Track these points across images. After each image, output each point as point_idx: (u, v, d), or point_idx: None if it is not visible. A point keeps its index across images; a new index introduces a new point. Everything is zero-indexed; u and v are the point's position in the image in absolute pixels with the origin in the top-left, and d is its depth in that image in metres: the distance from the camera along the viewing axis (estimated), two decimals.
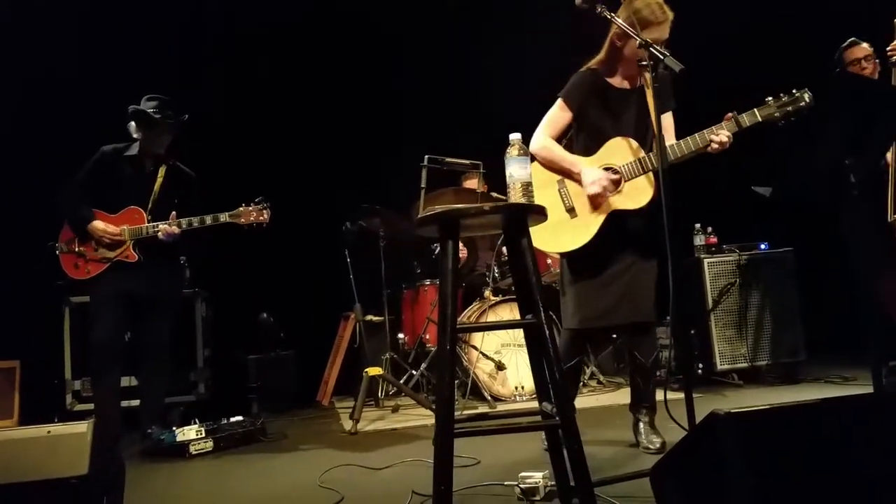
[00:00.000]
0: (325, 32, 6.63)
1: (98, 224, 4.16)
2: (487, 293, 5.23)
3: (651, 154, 3.07)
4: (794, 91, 2.89)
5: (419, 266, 6.11)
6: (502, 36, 6.44)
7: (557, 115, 3.31)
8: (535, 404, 2.49)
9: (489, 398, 4.87)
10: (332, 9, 6.47)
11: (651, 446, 3.21)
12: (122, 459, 2.51)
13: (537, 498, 2.51)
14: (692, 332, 5.04)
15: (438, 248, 2.94)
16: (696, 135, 3.01)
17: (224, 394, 5.66)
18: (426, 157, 3.64)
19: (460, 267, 5.67)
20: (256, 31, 6.34)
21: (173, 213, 4.16)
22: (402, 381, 5.19)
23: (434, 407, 3.70)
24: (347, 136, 6.62)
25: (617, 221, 3.16)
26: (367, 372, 4.69)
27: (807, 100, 2.86)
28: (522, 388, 4.98)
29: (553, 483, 2.44)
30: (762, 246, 5.14)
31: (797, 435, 1.61)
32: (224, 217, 4.17)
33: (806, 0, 5.87)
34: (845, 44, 4.32)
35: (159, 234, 4.12)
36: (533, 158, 3.22)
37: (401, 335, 5.94)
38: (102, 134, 4.37)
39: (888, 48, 3.97)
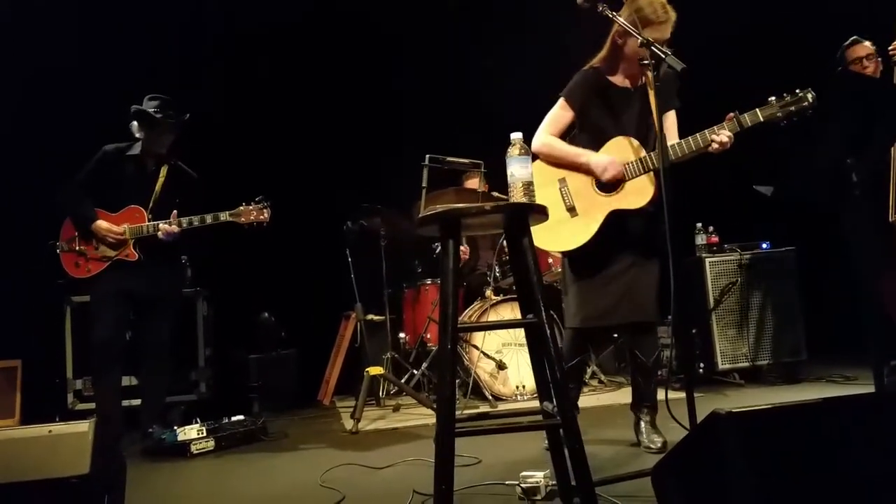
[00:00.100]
0: (326, 32, 6.62)
1: (102, 224, 4.16)
2: (488, 292, 5.23)
3: (652, 154, 3.06)
4: (797, 91, 2.87)
5: (420, 265, 6.11)
6: (502, 36, 6.44)
7: (559, 114, 3.32)
8: (536, 404, 2.49)
9: (490, 397, 4.87)
10: (332, 9, 6.47)
11: (652, 446, 3.21)
12: (123, 459, 2.52)
13: (538, 497, 2.50)
14: (693, 331, 5.04)
15: (439, 248, 2.94)
16: (696, 135, 3.01)
17: (225, 393, 5.66)
18: (427, 156, 3.65)
19: (461, 266, 5.67)
20: (256, 31, 6.33)
21: (174, 211, 4.16)
22: (403, 381, 5.19)
23: (435, 406, 3.70)
24: (348, 135, 6.62)
25: (617, 221, 3.16)
26: (368, 371, 4.69)
27: (810, 100, 2.84)
28: (523, 387, 4.98)
29: (554, 482, 2.44)
30: (763, 245, 5.14)
31: (798, 434, 1.61)
32: (224, 216, 4.17)
33: (806, 0, 5.87)
34: (847, 42, 4.31)
35: (159, 233, 4.12)
36: (535, 158, 3.23)
37: (402, 334, 5.94)
38: (102, 134, 4.38)
39: (889, 47, 3.97)
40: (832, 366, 5.13)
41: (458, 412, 2.20)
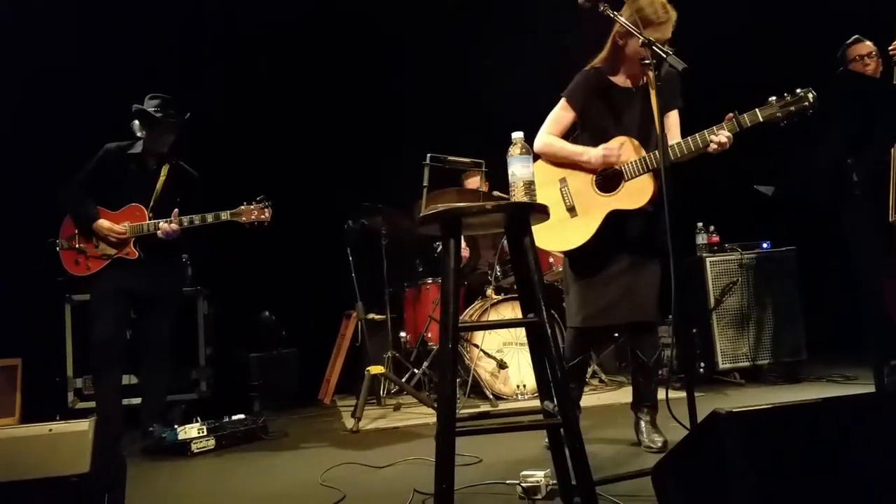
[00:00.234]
0: (326, 32, 6.62)
1: (104, 223, 4.16)
2: (489, 292, 5.23)
3: (651, 153, 3.06)
4: (797, 91, 2.86)
5: (421, 264, 6.12)
6: (502, 36, 6.44)
7: (560, 114, 3.33)
8: (536, 403, 2.49)
9: (491, 397, 4.87)
10: (333, 9, 6.47)
11: (653, 445, 3.21)
12: (123, 458, 2.51)
13: (539, 497, 2.51)
14: (694, 330, 5.04)
15: (440, 247, 2.94)
16: (696, 135, 3.00)
17: (226, 392, 5.67)
18: (429, 155, 3.64)
19: (462, 265, 5.67)
20: (257, 31, 6.34)
21: (175, 210, 4.17)
22: (403, 380, 5.20)
23: (436, 405, 3.70)
24: (349, 135, 6.62)
25: (617, 221, 3.17)
26: (368, 370, 4.69)
27: (811, 100, 2.82)
28: (524, 386, 4.98)
29: (555, 482, 2.44)
30: (764, 245, 5.14)
31: (799, 434, 1.61)
32: (225, 215, 4.17)
33: (806, 0, 5.86)
34: (849, 41, 4.32)
35: (158, 232, 4.12)
36: (536, 158, 3.23)
37: (403, 334, 5.95)
38: (103, 133, 4.38)
39: (889, 47, 3.97)
40: (832, 365, 5.14)
41: (458, 411, 2.20)
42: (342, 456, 3.63)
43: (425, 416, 4.64)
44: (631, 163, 3.11)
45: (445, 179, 4.68)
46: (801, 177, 2.99)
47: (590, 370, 5.34)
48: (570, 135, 3.37)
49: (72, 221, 4.28)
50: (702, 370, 5.01)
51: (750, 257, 5.06)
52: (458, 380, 4.81)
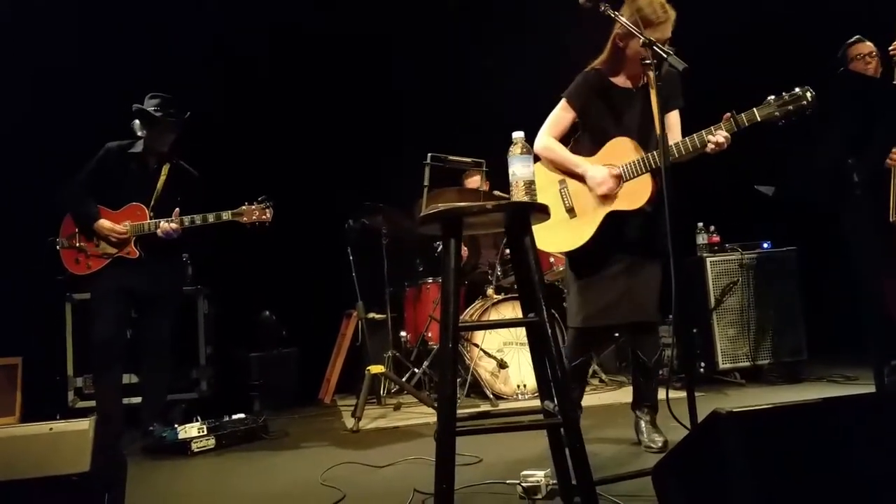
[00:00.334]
0: (326, 32, 6.62)
1: (105, 223, 4.16)
2: (490, 291, 5.24)
3: (650, 154, 3.06)
4: (796, 90, 2.84)
5: (421, 264, 6.12)
6: (502, 36, 6.44)
7: (560, 115, 3.33)
8: (537, 403, 2.49)
9: (491, 396, 4.87)
10: (333, 8, 6.47)
11: (653, 445, 3.21)
12: (123, 457, 2.52)
13: (539, 496, 2.51)
14: (694, 330, 5.04)
15: (441, 247, 2.94)
16: (693, 135, 2.99)
17: (226, 391, 5.67)
18: (429, 155, 3.64)
19: (462, 265, 5.67)
20: (257, 31, 6.34)
21: (176, 210, 4.17)
22: (404, 379, 5.20)
23: (436, 405, 3.70)
24: (349, 134, 6.62)
25: (617, 222, 3.17)
26: (369, 370, 4.69)
27: (809, 98, 2.80)
28: (524, 386, 4.98)
29: (555, 482, 2.44)
30: (764, 245, 5.14)
31: (799, 434, 1.61)
32: (227, 215, 4.18)
33: (806, 0, 5.86)
34: (850, 40, 4.33)
35: (159, 231, 4.13)
36: (537, 159, 3.23)
37: (403, 333, 5.95)
38: (103, 133, 4.38)
39: (890, 47, 3.97)
40: (833, 366, 5.14)
41: (458, 411, 2.19)
42: (342, 455, 3.63)
43: (425, 415, 4.64)
44: (629, 163, 3.11)
45: (445, 179, 4.68)
46: (801, 177, 2.99)
47: (590, 370, 5.34)
48: (570, 135, 3.37)
49: (72, 220, 4.28)
50: (702, 370, 5.01)
51: (750, 257, 5.06)
52: (458, 379, 4.82)
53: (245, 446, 4.11)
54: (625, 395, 4.42)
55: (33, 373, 5.18)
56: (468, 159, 3.57)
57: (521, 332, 4.91)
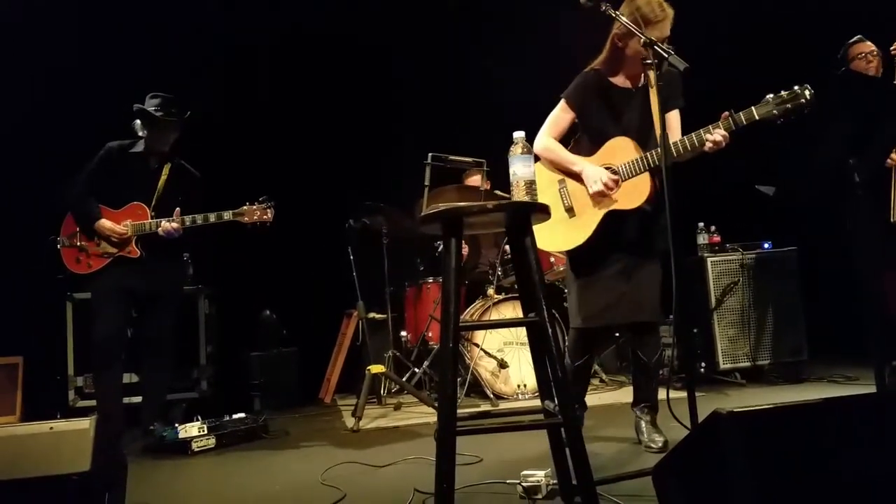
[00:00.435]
0: (326, 32, 6.62)
1: (106, 223, 4.16)
2: (490, 291, 5.23)
3: (649, 153, 3.06)
4: (794, 88, 2.82)
5: (422, 263, 6.12)
6: (502, 36, 6.44)
7: (559, 116, 3.34)
8: (537, 402, 2.49)
9: (491, 396, 4.87)
10: (333, 8, 6.47)
11: (653, 445, 3.21)
12: (124, 456, 2.52)
13: (539, 496, 2.51)
14: (695, 330, 5.04)
15: (441, 246, 2.94)
16: (691, 134, 2.99)
17: (227, 391, 5.67)
18: (430, 154, 3.65)
19: (462, 264, 5.66)
20: (257, 31, 6.34)
21: (177, 209, 4.17)
22: (404, 379, 5.19)
23: (436, 405, 3.70)
24: (350, 134, 6.62)
25: (616, 221, 3.17)
26: (369, 369, 4.69)
27: (807, 96, 2.78)
28: (525, 386, 4.98)
29: (555, 481, 2.44)
30: (765, 245, 5.14)
31: (800, 434, 1.60)
32: (228, 215, 4.18)
33: (806, 0, 5.86)
34: (851, 40, 4.33)
35: (159, 230, 4.13)
36: (536, 159, 3.24)
37: (403, 333, 5.95)
38: (103, 133, 4.38)
39: (891, 47, 3.97)
40: (833, 366, 5.14)
41: (459, 411, 2.20)
42: (342, 455, 3.63)
43: (426, 415, 4.64)
44: (627, 163, 3.11)
45: (445, 180, 4.69)
46: (802, 177, 2.98)
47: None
48: (571, 136, 3.37)
49: (73, 220, 4.28)
50: (703, 370, 5.01)
51: (751, 257, 5.06)
52: (458, 379, 4.82)
53: (245, 446, 4.11)
54: (625, 395, 4.42)
55: (34, 372, 5.18)
56: (469, 159, 3.57)
57: (521, 332, 4.91)
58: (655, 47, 2.69)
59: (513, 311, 5.03)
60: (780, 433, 1.59)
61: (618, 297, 3.23)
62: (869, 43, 4.27)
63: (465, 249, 5.83)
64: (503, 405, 4.78)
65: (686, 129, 3.11)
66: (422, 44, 6.60)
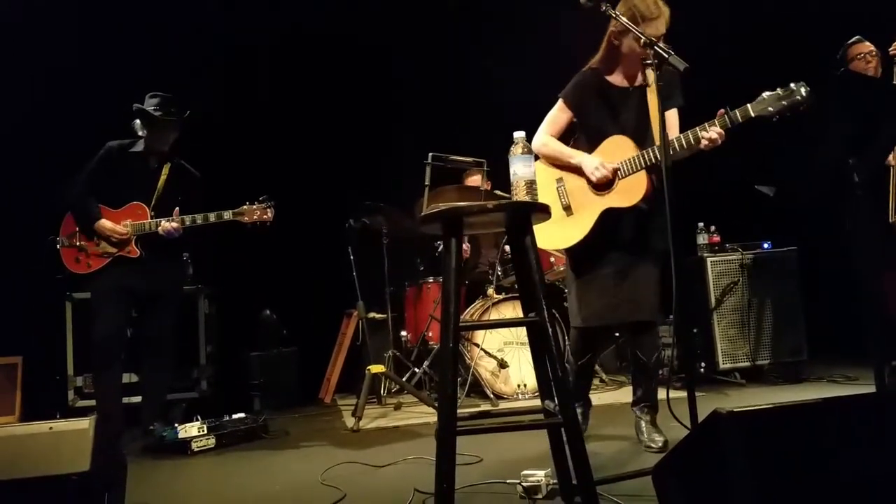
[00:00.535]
0: (326, 32, 6.62)
1: (105, 223, 4.16)
2: (490, 291, 5.23)
3: (645, 151, 3.06)
4: (790, 85, 2.81)
5: (422, 263, 6.12)
6: (502, 36, 6.44)
7: (557, 115, 3.36)
8: (537, 402, 2.49)
9: (491, 396, 4.87)
10: (333, 8, 6.47)
11: (653, 445, 3.21)
12: (123, 456, 2.52)
13: (539, 496, 2.50)
14: (695, 330, 5.04)
15: (441, 246, 2.95)
16: (687, 132, 2.99)
17: (226, 391, 5.67)
18: (430, 154, 3.65)
19: (462, 263, 5.66)
20: (257, 31, 6.34)
21: (177, 209, 4.17)
22: (404, 379, 5.19)
23: (436, 405, 3.70)
24: (350, 134, 6.62)
25: (613, 220, 3.18)
26: (369, 369, 4.69)
27: (803, 94, 2.77)
28: (525, 386, 4.98)
29: (555, 481, 2.44)
30: (765, 245, 5.14)
31: (799, 434, 1.61)
32: (228, 215, 4.18)
33: (806, 0, 5.86)
34: (850, 41, 4.33)
35: (159, 230, 4.13)
36: (536, 158, 3.24)
37: (403, 333, 5.95)
38: (103, 133, 4.38)
39: (890, 48, 3.97)
40: (833, 366, 5.14)
41: (459, 410, 2.20)
42: (342, 455, 3.63)
43: (426, 415, 4.64)
44: (625, 161, 3.11)
45: (445, 179, 4.69)
46: (801, 177, 2.98)
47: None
48: (569, 135, 3.38)
49: (73, 220, 4.28)
50: (702, 370, 5.01)
51: (751, 257, 5.06)
52: (458, 379, 4.81)
53: (245, 446, 4.11)
54: (625, 395, 4.42)
55: (33, 372, 5.18)
56: (469, 159, 3.58)
57: (521, 332, 4.91)
58: (656, 47, 2.69)
59: (513, 310, 5.03)
60: (779, 433, 1.59)
61: (618, 298, 3.23)
62: (868, 43, 4.27)
63: (467, 251, 5.84)
64: (503, 405, 4.78)
65: (686, 129, 3.11)
66: (422, 44, 6.60)
